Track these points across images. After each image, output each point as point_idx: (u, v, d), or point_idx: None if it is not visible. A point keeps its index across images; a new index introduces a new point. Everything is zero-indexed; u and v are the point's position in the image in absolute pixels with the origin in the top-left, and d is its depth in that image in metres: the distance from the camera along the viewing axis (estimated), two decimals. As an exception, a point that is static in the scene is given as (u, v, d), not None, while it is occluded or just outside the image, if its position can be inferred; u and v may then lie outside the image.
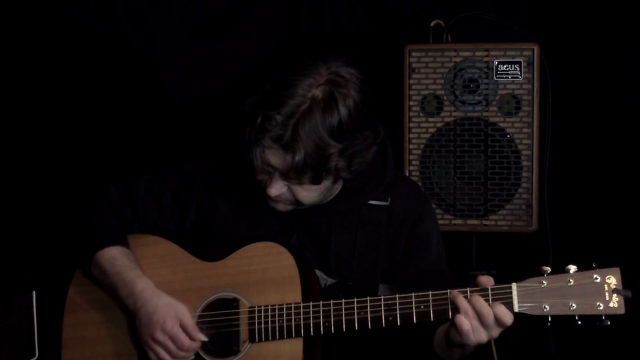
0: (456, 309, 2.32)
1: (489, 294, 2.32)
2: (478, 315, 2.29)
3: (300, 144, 2.39)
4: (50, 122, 3.59)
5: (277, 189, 2.52)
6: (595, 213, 3.40)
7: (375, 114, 2.54)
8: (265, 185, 2.54)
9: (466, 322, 2.29)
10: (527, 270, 2.33)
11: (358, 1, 3.49)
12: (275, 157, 2.45)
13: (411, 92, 3.23)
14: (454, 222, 3.24)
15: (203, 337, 2.53)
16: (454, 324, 2.31)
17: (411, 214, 2.68)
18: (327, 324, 2.45)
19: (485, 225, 3.23)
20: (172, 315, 2.51)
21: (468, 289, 2.34)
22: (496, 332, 2.32)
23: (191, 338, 2.51)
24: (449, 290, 2.36)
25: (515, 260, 3.47)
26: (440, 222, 3.14)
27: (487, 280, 2.34)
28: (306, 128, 2.40)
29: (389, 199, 2.67)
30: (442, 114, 3.22)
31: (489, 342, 2.38)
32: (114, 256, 2.62)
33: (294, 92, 2.41)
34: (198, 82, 3.56)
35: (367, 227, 2.65)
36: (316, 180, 2.48)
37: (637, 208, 3.31)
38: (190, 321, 2.52)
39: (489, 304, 2.29)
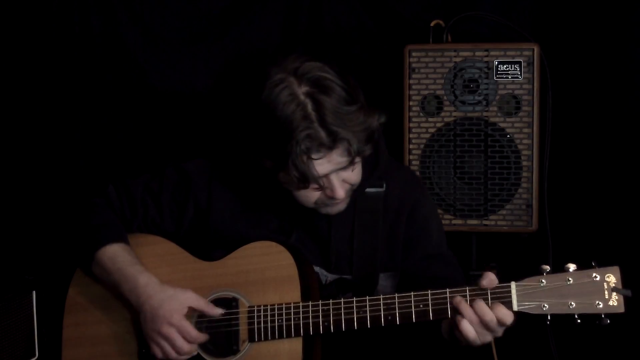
0: (458, 312, 2.32)
1: (488, 293, 2.32)
2: (481, 322, 2.30)
3: (340, 131, 2.36)
4: (49, 122, 3.59)
5: (342, 186, 2.49)
6: (595, 213, 3.40)
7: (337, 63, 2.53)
8: (324, 200, 2.51)
9: (472, 331, 2.30)
10: (527, 271, 2.33)
11: (358, 1, 3.50)
12: (333, 161, 2.42)
13: (411, 92, 3.23)
14: (454, 222, 3.24)
15: (220, 310, 2.52)
16: (459, 329, 2.32)
17: (408, 200, 2.67)
18: (326, 324, 2.45)
19: (485, 225, 3.23)
20: (178, 307, 2.50)
21: (467, 288, 2.35)
22: (500, 332, 2.33)
23: (208, 314, 2.51)
24: (447, 290, 2.37)
25: (515, 260, 3.47)
26: (440, 222, 3.15)
27: (489, 283, 2.34)
28: (330, 116, 2.36)
29: (385, 185, 2.66)
30: (442, 114, 3.22)
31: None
32: (115, 253, 2.61)
33: (288, 109, 2.37)
34: (198, 81, 3.56)
35: (365, 215, 2.64)
36: (372, 147, 2.47)
37: (636, 208, 3.31)
38: (200, 302, 2.52)
39: (488, 305, 2.30)
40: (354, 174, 2.51)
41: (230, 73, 3.54)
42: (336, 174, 2.46)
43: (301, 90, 2.39)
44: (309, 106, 2.37)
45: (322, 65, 2.43)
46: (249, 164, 2.52)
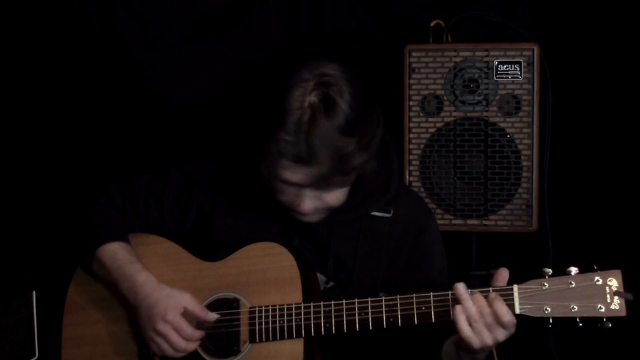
0: (457, 304, 2.32)
1: (490, 294, 2.32)
2: (479, 313, 2.29)
3: (319, 154, 2.35)
4: (50, 122, 3.59)
5: (310, 203, 2.48)
6: (595, 213, 3.40)
7: (371, 95, 2.50)
8: (293, 205, 2.50)
9: (467, 324, 2.29)
10: (527, 271, 2.34)
11: (358, 1, 3.50)
12: (300, 175, 2.40)
13: (411, 92, 3.23)
14: (454, 222, 3.24)
15: (215, 315, 2.52)
16: (456, 324, 2.31)
17: (414, 227, 2.66)
18: (327, 325, 2.45)
19: (485, 225, 3.23)
20: (174, 305, 2.49)
21: (470, 291, 2.34)
22: (501, 334, 2.31)
23: (202, 319, 2.50)
24: (450, 292, 2.36)
25: (516, 260, 3.47)
26: (440, 222, 3.15)
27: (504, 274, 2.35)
28: (318, 137, 2.35)
29: (392, 212, 2.65)
30: (442, 114, 3.22)
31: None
32: (114, 251, 2.61)
33: (289, 107, 2.37)
34: (198, 82, 3.56)
35: (369, 237, 2.64)
36: (347, 182, 2.46)
37: (637, 209, 3.31)
38: (196, 306, 2.51)
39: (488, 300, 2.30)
40: (332, 197, 2.50)
41: (231, 74, 3.54)
42: (312, 190, 2.46)
43: (309, 98, 2.38)
44: (306, 116, 2.36)
45: (340, 87, 2.40)
46: (252, 167, 2.52)
